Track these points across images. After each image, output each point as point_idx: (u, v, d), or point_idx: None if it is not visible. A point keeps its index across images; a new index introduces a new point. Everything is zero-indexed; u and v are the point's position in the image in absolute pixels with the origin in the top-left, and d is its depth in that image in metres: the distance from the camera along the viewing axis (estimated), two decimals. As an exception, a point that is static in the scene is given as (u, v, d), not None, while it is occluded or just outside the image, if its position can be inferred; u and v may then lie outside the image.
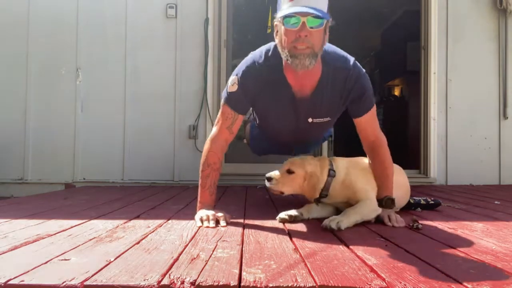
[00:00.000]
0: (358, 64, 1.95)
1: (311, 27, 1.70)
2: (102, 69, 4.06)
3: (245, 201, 2.69)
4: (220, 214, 1.84)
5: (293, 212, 1.91)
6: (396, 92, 7.15)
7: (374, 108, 1.99)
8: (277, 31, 1.83)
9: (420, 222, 1.81)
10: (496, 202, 2.72)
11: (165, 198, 2.89)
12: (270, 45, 1.96)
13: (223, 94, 1.99)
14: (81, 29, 4.05)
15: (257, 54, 1.96)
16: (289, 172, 1.92)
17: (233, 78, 1.95)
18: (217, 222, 1.81)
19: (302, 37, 1.70)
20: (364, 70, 1.97)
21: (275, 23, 1.82)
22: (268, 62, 1.91)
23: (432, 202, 2.34)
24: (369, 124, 1.98)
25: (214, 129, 1.99)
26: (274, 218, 2.00)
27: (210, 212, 1.84)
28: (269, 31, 4.17)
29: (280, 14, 1.73)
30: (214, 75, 4.10)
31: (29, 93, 4.03)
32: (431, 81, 4.17)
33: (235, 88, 1.92)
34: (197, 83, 4.05)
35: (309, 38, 1.70)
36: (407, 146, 5.15)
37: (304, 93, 1.94)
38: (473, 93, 4.19)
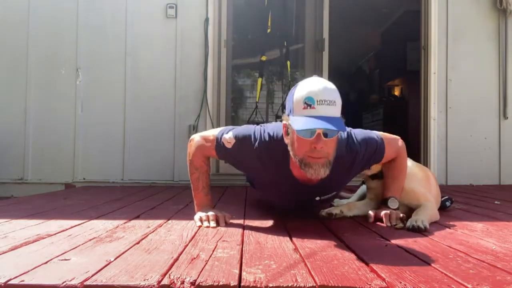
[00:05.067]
0: (360, 136, 1.84)
1: (327, 138, 1.58)
2: (102, 69, 4.05)
3: (245, 201, 2.68)
4: (220, 214, 1.85)
5: (334, 210, 1.98)
6: (396, 92, 7.16)
7: (384, 145, 1.89)
8: (287, 131, 1.68)
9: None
10: (496, 202, 2.72)
11: (165, 198, 2.89)
12: (276, 131, 1.78)
13: (218, 134, 1.84)
14: (81, 29, 4.05)
15: (260, 138, 1.78)
16: None
17: (231, 137, 1.80)
18: (217, 222, 1.81)
19: (318, 149, 1.58)
20: (364, 134, 1.87)
21: (284, 121, 1.68)
22: (273, 154, 1.77)
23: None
24: (387, 158, 1.93)
25: (202, 142, 1.87)
26: (274, 218, 1.99)
27: (210, 212, 1.84)
28: (269, 31, 4.15)
29: (295, 123, 1.57)
30: (214, 75, 4.09)
31: (29, 93, 4.02)
32: (431, 81, 4.17)
33: (229, 146, 1.81)
34: (197, 83, 4.05)
35: (324, 148, 1.59)
36: (407, 146, 5.14)
37: (311, 182, 1.80)
38: (473, 93, 4.19)
